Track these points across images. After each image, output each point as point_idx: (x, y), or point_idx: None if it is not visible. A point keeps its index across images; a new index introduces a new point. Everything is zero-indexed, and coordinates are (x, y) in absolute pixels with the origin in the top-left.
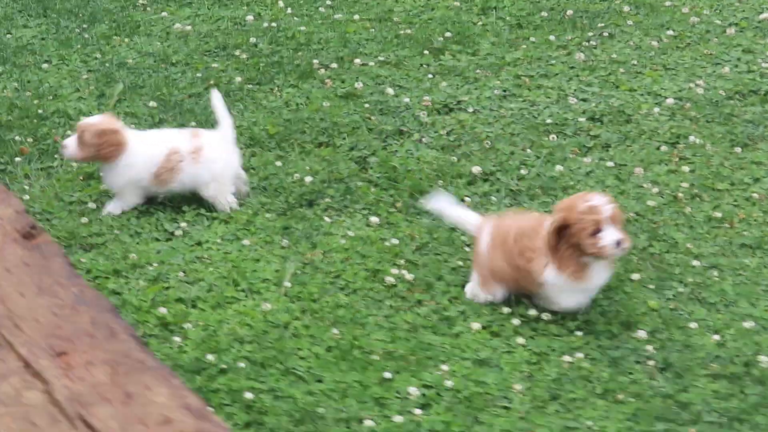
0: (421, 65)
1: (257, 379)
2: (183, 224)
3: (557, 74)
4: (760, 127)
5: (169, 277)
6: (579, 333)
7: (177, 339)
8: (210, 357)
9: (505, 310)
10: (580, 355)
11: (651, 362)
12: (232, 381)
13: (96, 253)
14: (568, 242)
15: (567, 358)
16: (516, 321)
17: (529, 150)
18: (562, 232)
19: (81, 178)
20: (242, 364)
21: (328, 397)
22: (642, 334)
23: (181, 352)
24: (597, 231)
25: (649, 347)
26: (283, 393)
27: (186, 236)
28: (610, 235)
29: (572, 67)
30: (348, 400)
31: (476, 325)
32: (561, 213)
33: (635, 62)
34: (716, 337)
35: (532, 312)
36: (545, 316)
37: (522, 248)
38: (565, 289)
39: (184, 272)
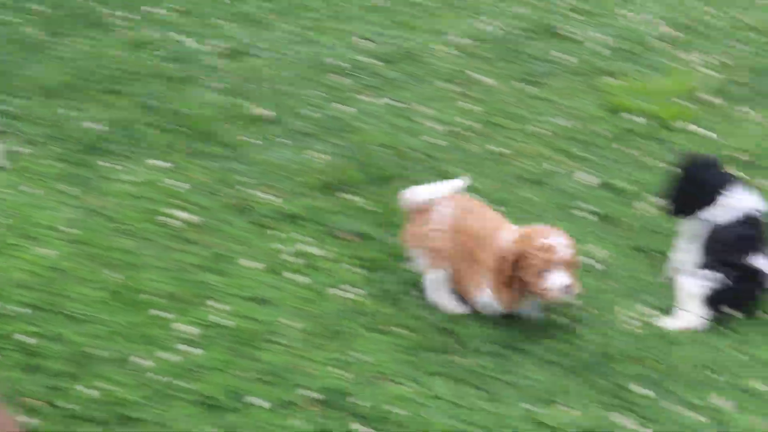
0: (214, 11)
1: (35, 324)
2: None
3: (349, 17)
4: (547, 64)
5: None
6: (354, 268)
7: None
8: None
9: (279, 246)
10: (352, 288)
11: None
12: (9, 325)
13: None
14: (514, 273)
15: (341, 292)
16: (291, 259)
17: (315, 91)
18: (514, 263)
19: None
20: (22, 309)
21: (103, 338)
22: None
23: None
24: (545, 271)
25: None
26: (60, 336)
27: None
28: (557, 279)
29: (363, 9)
30: (122, 341)
31: (250, 263)
32: (517, 245)
33: (430, 3)
34: None
35: (312, 250)
36: (316, 251)
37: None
38: (491, 309)
39: None
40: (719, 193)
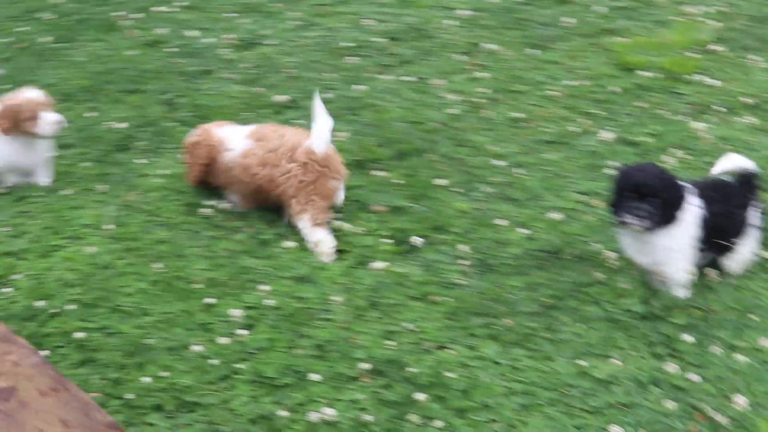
0: (223, 5)
1: (88, 319)
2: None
3: (353, 0)
4: (554, 28)
5: None
6: (389, 241)
7: (8, 290)
8: (40, 303)
9: None
10: (394, 262)
11: (464, 261)
12: (63, 323)
13: None
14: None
15: (381, 265)
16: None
17: (329, 74)
18: None
19: None
20: (72, 307)
21: (156, 328)
22: (453, 236)
23: (12, 303)
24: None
25: (462, 247)
26: (113, 329)
27: (10, 193)
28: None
29: None
30: (175, 329)
31: (291, 244)
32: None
33: None
34: (525, 230)
35: (347, 226)
36: (354, 227)
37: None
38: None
39: (11, 227)
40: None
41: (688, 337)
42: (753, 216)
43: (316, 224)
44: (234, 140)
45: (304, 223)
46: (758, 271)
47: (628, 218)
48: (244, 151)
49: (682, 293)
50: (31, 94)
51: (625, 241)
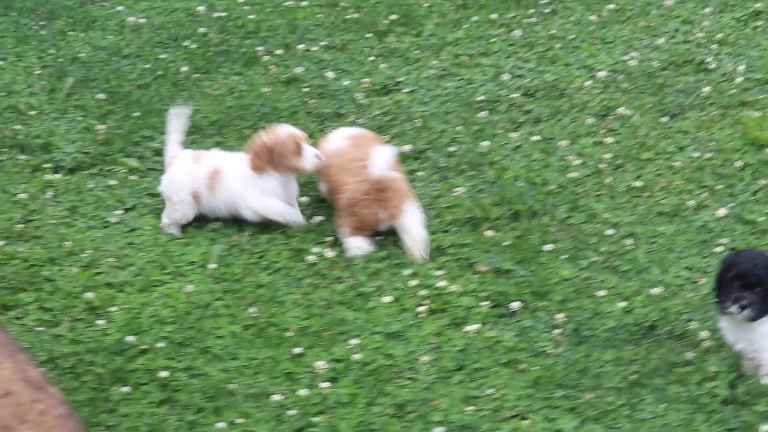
0: (365, 48)
1: (175, 359)
2: (119, 212)
3: (496, 52)
4: (691, 96)
5: (101, 263)
6: (487, 303)
7: (101, 322)
8: (131, 338)
9: (416, 281)
10: (488, 325)
11: (557, 331)
12: (150, 361)
13: (34, 243)
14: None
15: (474, 327)
16: (424, 292)
17: (460, 127)
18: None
19: (27, 170)
20: (162, 345)
21: (241, 373)
22: (552, 303)
23: (105, 335)
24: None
25: (559, 316)
26: (198, 371)
27: (121, 223)
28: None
29: (511, 45)
30: (260, 376)
31: (389, 299)
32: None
33: (573, 37)
34: (624, 303)
35: (448, 284)
36: (454, 287)
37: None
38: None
39: (116, 257)
40: None
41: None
42: None
43: (353, 235)
44: (335, 138)
45: (342, 232)
46: None
47: (733, 308)
48: (336, 150)
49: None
50: (289, 129)
51: (724, 325)
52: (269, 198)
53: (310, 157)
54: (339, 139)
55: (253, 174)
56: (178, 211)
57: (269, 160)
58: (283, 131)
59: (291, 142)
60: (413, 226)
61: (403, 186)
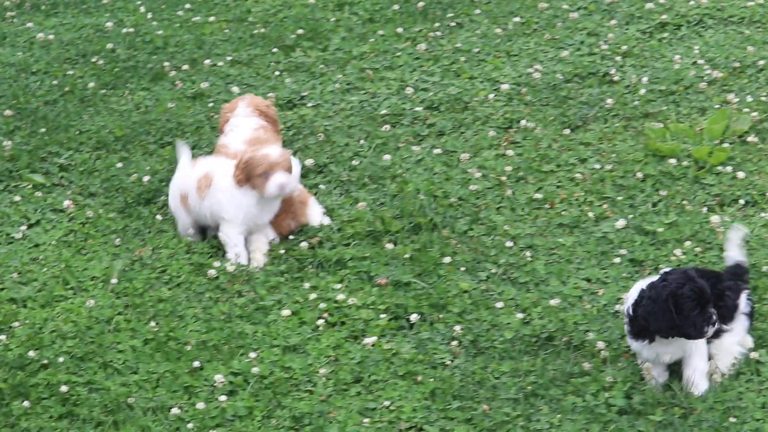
0: (271, 63)
1: (76, 373)
2: (23, 228)
3: (401, 66)
4: (594, 108)
5: (5, 278)
6: (385, 315)
7: (3, 338)
8: (32, 353)
9: (315, 294)
10: (386, 337)
11: (455, 342)
12: (51, 376)
13: None
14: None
15: (372, 340)
16: (323, 305)
17: (363, 141)
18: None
19: None
20: (63, 359)
21: (140, 387)
22: (450, 315)
23: (6, 350)
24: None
25: (457, 328)
26: (98, 385)
27: (25, 239)
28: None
29: (416, 58)
30: (159, 390)
31: (287, 312)
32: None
33: (478, 50)
34: (522, 315)
35: (347, 297)
36: (353, 300)
37: None
38: None
39: (19, 273)
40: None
41: None
42: (744, 303)
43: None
44: (235, 142)
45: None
46: (745, 370)
47: (713, 327)
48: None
49: (703, 387)
50: (276, 151)
51: (644, 345)
52: (238, 222)
53: (273, 186)
54: (238, 143)
55: (235, 186)
56: (178, 221)
57: (245, 175)
58: (269, 151)
59: (264, 164)
60: (315, 220)
61: (304, 194)
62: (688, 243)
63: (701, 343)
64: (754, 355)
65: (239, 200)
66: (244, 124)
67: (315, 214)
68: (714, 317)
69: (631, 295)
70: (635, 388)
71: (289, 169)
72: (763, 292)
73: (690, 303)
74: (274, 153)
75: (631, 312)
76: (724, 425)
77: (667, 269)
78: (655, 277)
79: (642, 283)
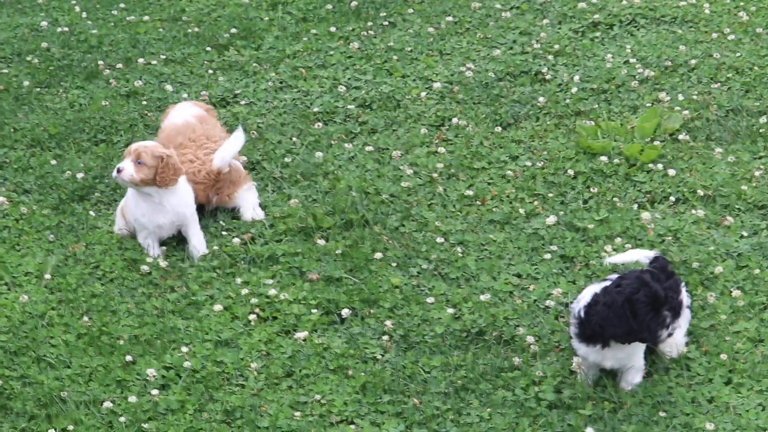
0: (204, 61)
1: (9, 367)
2: None
3: (334, 64)
4: (526, 107)
5: None
6: (317, 311)
7: None
8: None
9: (247, 290)
10: (317, 332)
11: (386, 337)
12: None
13: None
14: None
15: (304, 335)
16: (255, 300)
17: (296, 138)
18: None
19: None
20: None
21: (73, 381)
22: (381, 310)
23: None
24: None
25: (388, 322)
26: (31, 379)
27: None
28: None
29: (349, 57)
30: (92, 384)
31: (219, 307)
32: None
33: (411, 49)
34: (453, 310)
35: (279, 293)
36: (285, 295)
37: None
38: None
39: None
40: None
41: (590, 430)
42: (685, 296)
43: None
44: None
45: None
46: (675, 366)
47: (668, 330)
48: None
49: (637, 381)
50: (140, 143)
51: (594, 350)
52: (138, 226)
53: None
54: (187, 114)
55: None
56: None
57: None
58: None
59: (128, 151)
60: (246, 212)
61: (239, 176)
62: (618, 239)
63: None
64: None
65: (130, 202)
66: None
67: (246, 201)
68: (668, 320)
69: (584, 298)
70: (565, 383)
71: (136, 158)
72: (693, 288)
73: (645, 308)
74: (140, 143)
75: (583, 315)
76: (653, 419)
77: (622, 273)
78: (607, 282)
79: (595, 287)
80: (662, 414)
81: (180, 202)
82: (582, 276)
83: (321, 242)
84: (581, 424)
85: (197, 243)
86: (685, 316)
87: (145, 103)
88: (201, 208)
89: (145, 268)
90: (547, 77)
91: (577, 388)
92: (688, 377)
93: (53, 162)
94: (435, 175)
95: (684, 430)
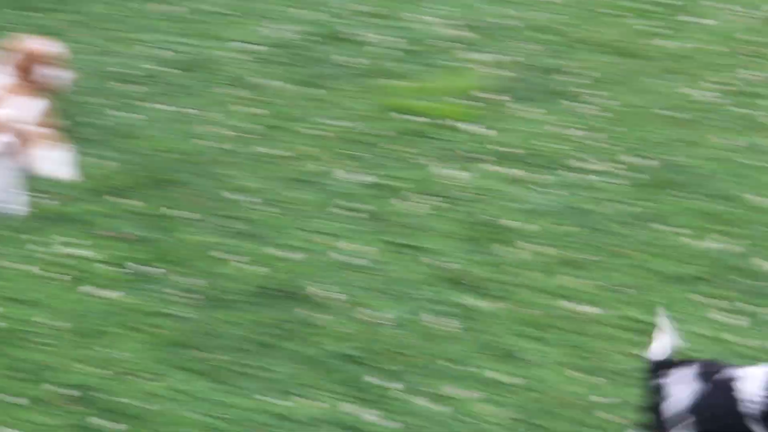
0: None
1: None
2: None
3: (148, 28)
4: (334, 67)
5: None
6: (113, 267)
7: None
8: None
9: (45, 248)
10: (108, 288)
11: (183, 293)
12: None
13: None
14: None
15: (94, 289)
16: (45, 256)
17: (104, 100)
18: None
19: None
20: None
21: None
22: (176, 266)
23: None
24: None
25: (183, 279)
26: None
27: None
28: None
29: (162, 20)
30: None
31: (8, 264)
32: None
33: (219, 11)
34: (250, 266)
35: (79, 251)
36: (75, 250)
37: None
38: None
39: None
40: None
41: (386, 383)
42: None
43: None
44: None
45: None
46: None
47: None
48: None
49: None
50: None
51: None
52: None
53: None
54: None
55: None
56: None
57: None
58: None
59: None
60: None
61: (32, 135)
62: (427, 197)
63: None
64: None
65: None
66: None
67: (44, 160)
68: None
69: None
70: (363, 340)
71: None
72: (505, 245)
73: None
74: None
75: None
76: (438, 369)
77: None
78: None
79: None
80: (448, 364)
81: None
82: (391, 234)
83: (122, 201)
84: (383, 380)
85: None
86: None
87: None
88: None
89: None
90: (357, 39)
91: (377, 344)
92: None
93: None
94: (244, 134)
95: None
